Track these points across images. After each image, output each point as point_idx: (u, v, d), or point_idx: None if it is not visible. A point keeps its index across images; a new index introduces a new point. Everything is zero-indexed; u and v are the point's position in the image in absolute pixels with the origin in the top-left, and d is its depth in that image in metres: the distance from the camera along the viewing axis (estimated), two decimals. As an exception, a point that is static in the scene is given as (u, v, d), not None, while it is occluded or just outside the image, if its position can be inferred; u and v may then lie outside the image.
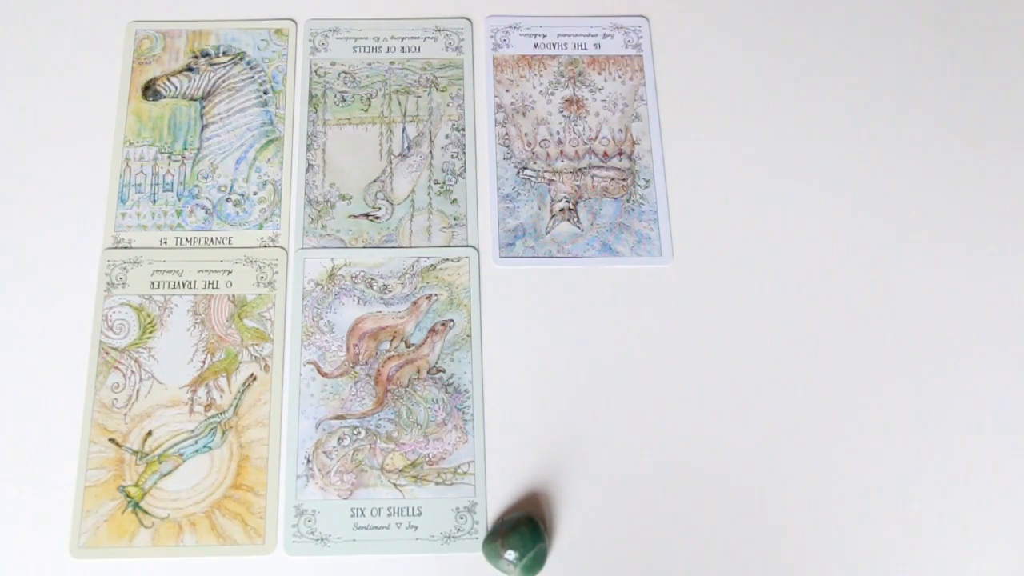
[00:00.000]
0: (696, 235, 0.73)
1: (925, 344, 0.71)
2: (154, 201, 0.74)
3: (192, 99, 0.77)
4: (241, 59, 0.78)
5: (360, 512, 0.66)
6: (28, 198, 0.74)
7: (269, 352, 0.69)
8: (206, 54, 0.78)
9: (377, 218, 0.74)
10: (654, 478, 0.67)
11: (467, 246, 0.73)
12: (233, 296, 0.71)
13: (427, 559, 0.65)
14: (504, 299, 0.71)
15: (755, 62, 0.80)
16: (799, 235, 0.74)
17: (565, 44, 0.80)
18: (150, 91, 0.77)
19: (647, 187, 0.75)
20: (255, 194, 0.74)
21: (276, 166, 0.75)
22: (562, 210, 0.74)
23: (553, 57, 0.79)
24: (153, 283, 0.71)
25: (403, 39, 0.79)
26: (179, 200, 0.74)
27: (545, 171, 0.75)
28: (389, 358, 0.70)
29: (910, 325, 0.71)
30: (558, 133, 0.77)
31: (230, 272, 0.72)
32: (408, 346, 0.70)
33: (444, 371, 0.69)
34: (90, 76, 0.77)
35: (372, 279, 0.72)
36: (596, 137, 0.76)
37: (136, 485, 0.66)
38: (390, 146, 0.76)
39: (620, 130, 0.77)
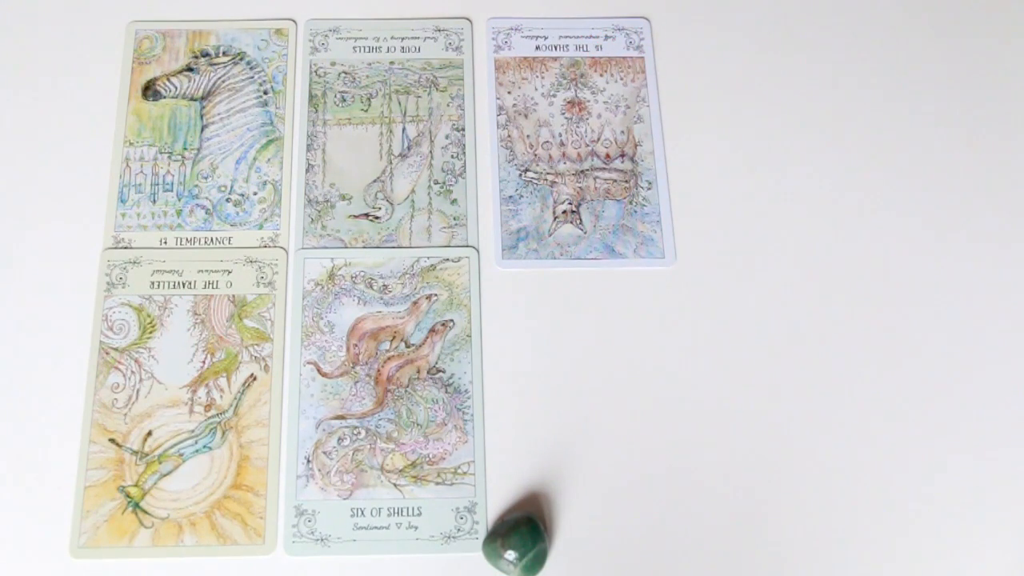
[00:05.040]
0: (699, 237, 0.73)
1: (932, 348, 0.71)
2: (154, 201, 0.74)
3: (192, 99, 0.77)
4: (241, 59, 0.78)
5: (360, 512, 0.66)
6: (28, 198, 0.73)
7: (269, 352, 0.69)
8: (206, 54, 0.78)
9: (377, 218, 0.74)
10: (655, 479, 0.67)
11: (467, 246, 0.73)
12: (233, 296, 0.71)
13: (427, 559, 0.65)
14: (505, 300, 0.71)
15: (757, 63, 0.80)
16: (802, 237, 0.74)
17: (567, 46, 0.80)
18: (150, 91, 0.77)
19: (649, 189, 0.75)
20: (255, 194, 0.74)
21: (276, 166, 0.75)
22: (564, 212, 0.74)
23: (555, 59, 0.80)
24: (153, 283, 0.71)
25: (403, 39, 0.79)
26: (179, 200, 0.74)
27: (547, 173, 0.75)
28: (389, 358, 0.70)
29: (916, 328, 0.71)
30: (560, 135, 0.77)
31: (230, 272, 0.72)
32: (408, 346, 0.70)
33: (444, 371, 0.69)
34: (90, 76, 0.77)
35: (372, 279, 0.72)
36: (598, 139, 0.76)
37: (136, 485, 0.66)
38: (390, 146, 0.76)
39: (622, 132, 0.77)
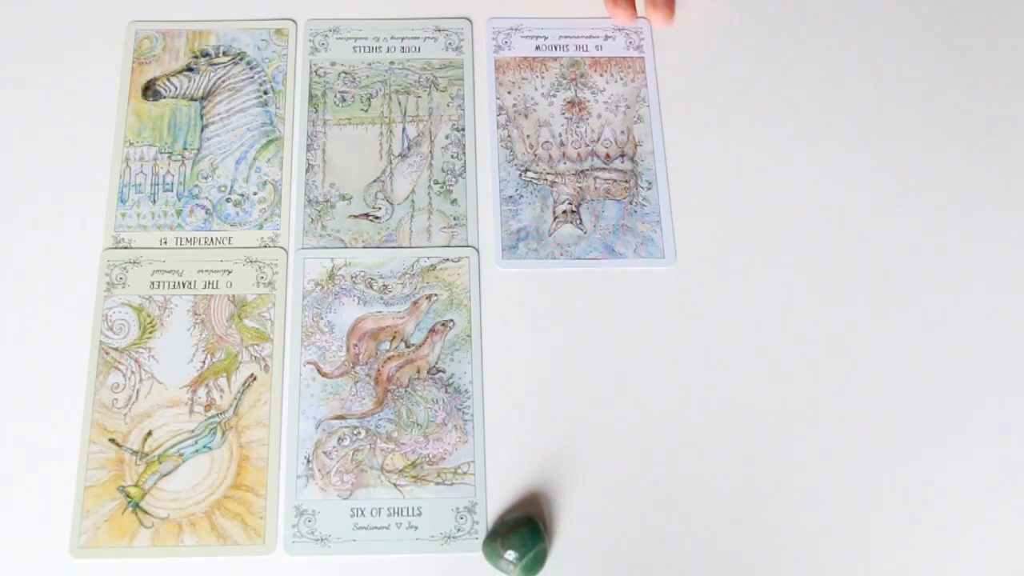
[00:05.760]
0: (699, 237, 0.73)
1: (933, 348, 0.71)
2: (154, 201, 0.74)
3: (192, 99, 0.77)
4: (241, 59, 0.78)
5: (360, 512, 0.66)
6: (28, 198, 0.73)
7: (269, 352, 0.69)
8: (206, 54, 0.78)
9: (377, 218, 0.74)
10: (655, 479, 0.67)
11: (467, 246, 0.73)
12: (233, 296, 0.71)
13: (427, 559, 0.65)
14: (505, 300, 0.71)
15: (757, 63, 0.80)
16: (802, 236, 0.74)
17: (567, 46, 0.80)
18: (150, 91, 0.77)
19: (649, 189, 0.75)
20: (255, 194, 0.74)
21: (276, 166, 0.75)
22: (564, 212, 0.74)
23: (555, 59, 0.80)
24: (153, 283, 0.71)
25: (403, 39, 0.79)
26: (179, 200, 0.74)
27: (547, 173, 0.75)
28: (389, 358, 0.70)
29: (917, 328, 0.71)
30: (560, 135, 0.77)
31: (230, 272, 0.72)
32: (408, 346, 0.70)
33: (444, 371, 0.69)
34: (90, 76, 0.77)
35: (372, 279, 0.72)
36: (598, 139, 0.77)
37: (136, 485, 0.66)
38: (390, 146, 0.76)
39: (622, 132, 0.77)
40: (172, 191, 0.74)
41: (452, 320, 0.71)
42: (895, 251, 0.74)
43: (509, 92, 0.78)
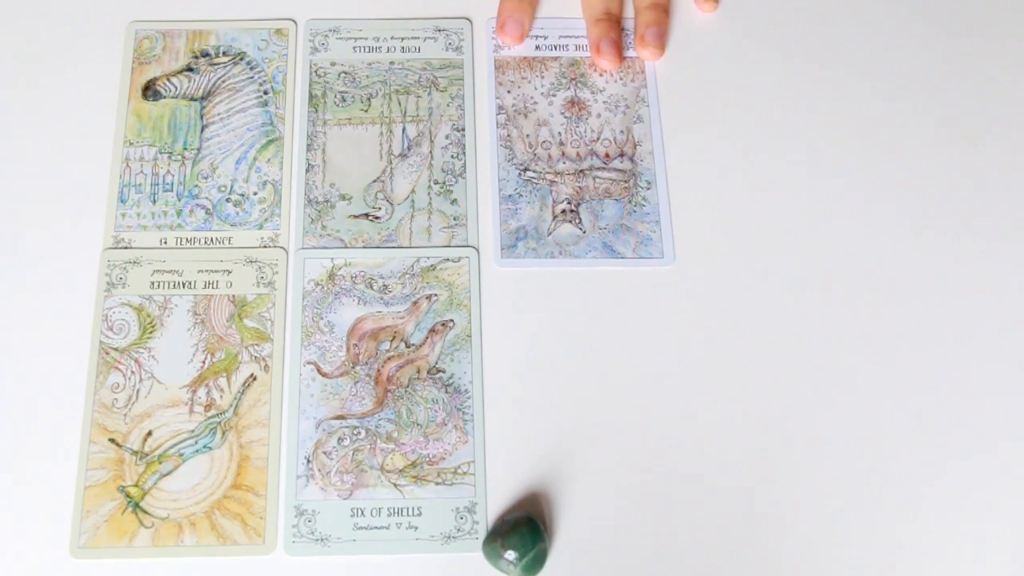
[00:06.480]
0: (698, 237, 0.73)
1: (933, 348, 0.71)
2: (154, 201, 0.74)
3: (192, 99, 0.77)
4: (241, 59, 0.78)
5: (360, 512, 0.66)
6: (28, 198, 0.74)
7: (269, 352, 0.69)
8: (206, 54, 0.78)
9: (377, 218, 0.74)
10: (654, 479, 0.67)
11: (467, 246, 0.73)
12: (233, 296, 0.71)
13: (427, 559, 0.65)
14: (505, 300, 0.71)
15: (757, 63, 0.80)
16: (802, 236, 0.74)
17: (566, 45, 0.80)
18: (150, 91, 0.77)
19: (649, 189, 0.75)
20: (255, 194, 0.74)
21: (276, 166, 0.75)
22: (564, 211, 0.74)
23: (554, 59, 0.80)
24: (153, 283, 0.71)
25: (403, 39, 0.79)
26: (179, 200, 0.74)
27: (547, 172, 0.75)
28: (389, 358, 0.70)
29: (917, 328, 0.71)
30: (560, 135, 0.77)
31: (230, 272, 0.72)
32: (408, 346, 0.70)
33: (444, 371, 0.69)
34: (90, 76, 0.77)
35: (372, 279, 0.72)
36: (598, 139, 0.76)
37: (136, 485, 0.66)
38: (390, 146, 0.76)
39: (622, 132, 0.77)
40: (172, 191, 0.74)
41: (452, 320, 0.71)
42: (894, 250, 0.74)
43: (509, 92, 0.78)
